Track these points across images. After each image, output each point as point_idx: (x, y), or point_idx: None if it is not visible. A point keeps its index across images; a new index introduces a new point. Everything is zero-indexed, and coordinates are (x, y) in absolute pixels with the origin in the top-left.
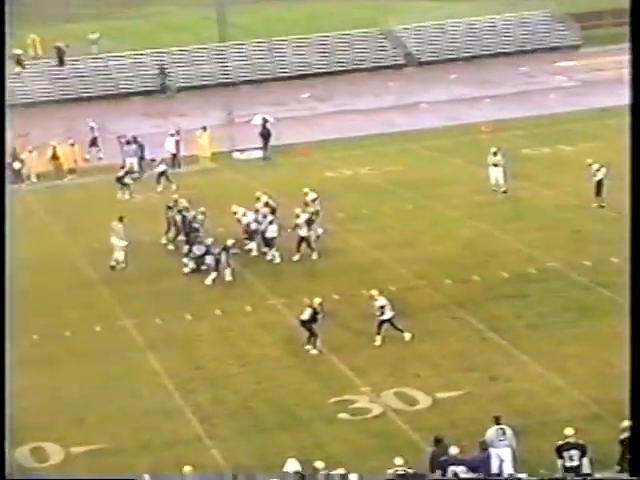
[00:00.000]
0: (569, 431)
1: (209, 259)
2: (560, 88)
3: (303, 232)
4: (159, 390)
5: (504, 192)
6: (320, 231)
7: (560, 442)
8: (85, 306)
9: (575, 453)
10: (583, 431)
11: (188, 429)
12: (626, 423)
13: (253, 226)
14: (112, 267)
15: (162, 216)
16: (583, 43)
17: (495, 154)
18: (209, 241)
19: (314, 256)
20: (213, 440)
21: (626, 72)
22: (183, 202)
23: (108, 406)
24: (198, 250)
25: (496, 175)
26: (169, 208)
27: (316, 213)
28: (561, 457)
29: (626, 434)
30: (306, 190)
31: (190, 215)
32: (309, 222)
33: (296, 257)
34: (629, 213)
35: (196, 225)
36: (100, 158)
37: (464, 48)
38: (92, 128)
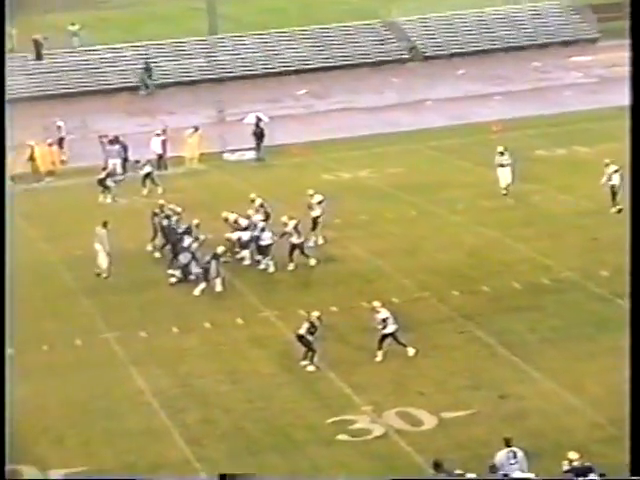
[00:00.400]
0: (573, 455)
1: (196, 268)
2: (576, 85)
3: (294, 239)
4: (144, 409)
5: (505, 194)
6: (320, 241)
7: (566, 467)
8: (64, 318)
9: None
10: (599, 454)
11: (175, 451)
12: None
13: (245, 236)
14: (97, 274)
15: (147, 221)
16: (600, 36)
17: (502, 154)
18: (194, 247)
19: (312, 262)
20: (202, 463)
21: None
22: (173, 207)
23: (89, 426)
24: (184, 258)
25: (505, 176)
26: (155, 215)
27: (317, 217)
28: None
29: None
30: (310, 192)
31: (174, 221)
32: (297, 228)
33: (291, 266)
34: (629, 213)
35: (180, 231)
36: (63, 161)
37: (473, 41)
38: (59, 127)
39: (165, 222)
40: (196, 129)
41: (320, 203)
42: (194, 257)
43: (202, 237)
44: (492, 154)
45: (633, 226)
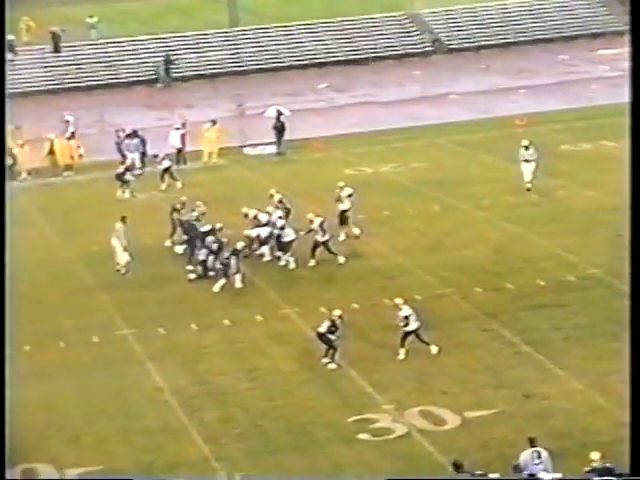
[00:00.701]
0: (595, 455)
1: (216, 264)
2: (602, 78)
3: (319, 237)
4: (162, 407)
5: (529, 189)
6: (357, 231)
7: (587, 468)
8: (81, 314)
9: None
10: (625, 455)
11: (194, 450)
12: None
13: (264, 232)
14: (118, 271)
15: (166, 216)
16: (628, 29)
17: (527, 148)
18: (214, 245)
19: (340, 260)
20: (221, 462)
21: None
22: (200, 204)
23: (106, 424)
24: (203, 255)
25: (528, 171)
26: (174, 210)
27: (346, 211)
28: None
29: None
30: (341, 184)
31: (194, 216)
32: (322, 226)
33: (312, 263)
34: (629, 212)
35: (203, 230)
36: (81, 155)
37: (497, 34)
38: (68, 122)
39: (185, 217)
40: (214, 123)
41: (350, 196)
42: (212, 252)
43: (224, 240)
44: (517, 149)
45: (633, 227)
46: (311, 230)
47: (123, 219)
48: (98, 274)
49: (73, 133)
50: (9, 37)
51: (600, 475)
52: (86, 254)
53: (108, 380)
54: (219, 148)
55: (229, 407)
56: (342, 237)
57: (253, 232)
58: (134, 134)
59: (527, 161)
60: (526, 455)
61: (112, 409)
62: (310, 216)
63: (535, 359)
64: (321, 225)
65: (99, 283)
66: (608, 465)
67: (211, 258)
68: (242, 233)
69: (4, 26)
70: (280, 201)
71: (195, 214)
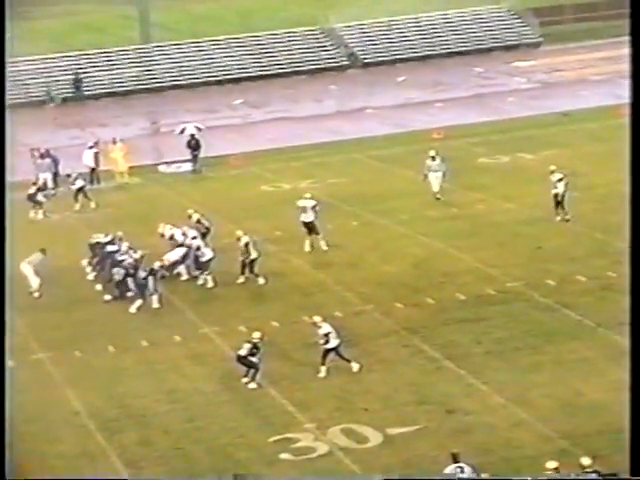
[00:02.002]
0: (551, 464)
1: (131, 284)
2: (519, 90)
3: (253, 255)
4: (79, 431)
5: (438, 199)
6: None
7: (542, 478)
8: None
9: None
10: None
11: (113, 474)
12: (586, 460)
13: (180, 253)
14: (31, 293)
15: (80, 237)
16: (543, 41)
17: (433, 158)
18: (127, 262)
19: (260, 281)
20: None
21: (588, 72)
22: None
23: (24, 450)
24: (117, 275)
25: (436, 181)
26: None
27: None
28: None
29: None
30: (307, 195)
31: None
32: (247, 246)
33: (241, 279)
34: (629, 211)
35: (104, 241)
36: None
37: (413, 47)
38: None
39: (94, 240)
40: (114, 142)
41: (314, 208)
42: (128, 273)
43: (138, 254)
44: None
45: (633, 226)
46: (245, 251)
47: (43, 251)
48: (11, 296)
49: None
50: None
51: None
52: None
53: (24, 405)
54: (129, 167)
55: (149, 430)
56: (308, 248)
57: (170, 257)
58: (46, 154)
59: (434, 171)
60: (449, 471)
61: (29, 434)
62: (239, 233)
63: (457, 374)
64: (246, 245)
65: (13, 306)
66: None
67: (129, 279)
68: (159, 252)
69: (4, 27)
70: (198, 221)
71: (108, 237)
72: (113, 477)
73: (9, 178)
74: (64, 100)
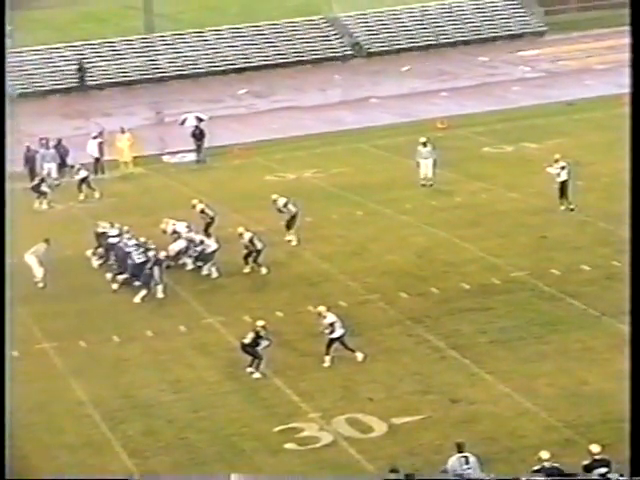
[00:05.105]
0: (545, 455)
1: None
2: (523, 80)
3: (259, 246)
4: (84, 421)
5: (430, 185)
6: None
7: (536, 467)
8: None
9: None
10: (554, 457)
11: (117, 464)
12: (595, 448)
13: (183, 244)
14: (37, 283)
15: (85, 227)
16: (547, 30)
17: (425, 145)
18: (135, 252)
19: (263, 271)
20: (145, 475)
21: (593, 61)
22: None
23: (28, 440)
24: (131, 265)
25: (426, 168)
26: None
27: (292, 219)
28: None
29: (589, 460)
30: (274, 197)
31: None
32: (252, 241)
33: (246, 269)
34: (629, 211)
35: (111, 233)
36: None
37: (417, 37)
38: None
39: (100, 230)
40: (123, 131)
41: (286, 205)
42: (138, 263)
43: (139, 240)
44: (439, 152)
45: (633, 226)
46: (250, 244)
47: (47, 240)
48: (16, 286)
49: None
50: None
51: (548, 475)
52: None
53: (29, 395)
54: (134, 157)
55: (153, 419)
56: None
57: (174, 247)
58: (57, 144)
59: (425, 158)
60: (454, 461)
61: (34, 424)
62: (240, 230)
63: (461, 364)
64: (251, 240)
65: (17, 295)
66: (556, 465)
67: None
68: (164, 243)
69: (4, 26)
70: (202, 211)
71: (115, 229)
72: (114, 477)
73: (13, 169)
74: (67, 90)
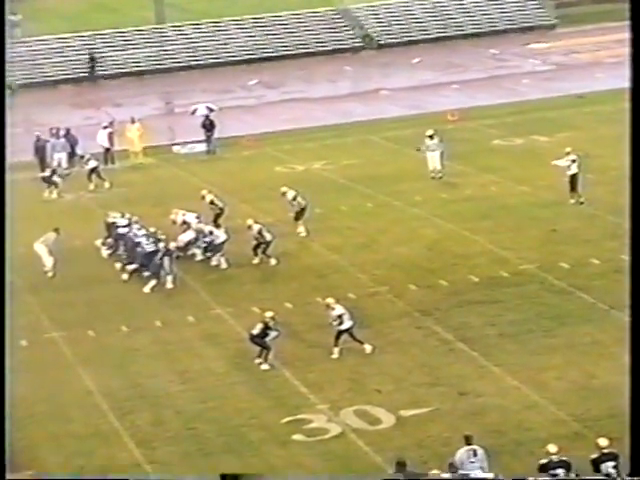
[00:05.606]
0: (552, 448)
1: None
2: (533, 72)
3: (268, 238)
4: (92, 411)
5: (440, 178)
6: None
7: (543, 460)
8: (8, 317)
9: (561, 472)
10: (562, 451)
11: (125, 454)
12: (603, 441)
13: (192, 235)
14: (46, 272)
15: (94, 217)
16: (558, 23)
17: (431, 137)
18: (145, 242)
19: (272, 262)
20: (153, 465)
21: (604, 54)
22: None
23: (36, 430)
24: (140, 255)
25: (434, 161)
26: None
27: (301, 211)
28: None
29: (597, 454)
30: (283, 190)
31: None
32: (261, 232)
33: (255, 260)
34: (629, 210)
35: (120, 224)
36: None
37: (428, 29)
38: None
39: (110, 220)
40: (133, 121)
41: (295, 199)
42: (147, 253)
43: (148, 230)
44: (449, 144)
45: (633, 224)
46: (259, 237)
47: (56, 230)
48: (25, 275)
49: None
50: None
51: (555, 469)
52: (12, 255)
53: (37, 384)
54: (144, 147)
55: (161, 410)
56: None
57: (184, 238)
58: (67, 133)
59: (432, 150)
60: (462, 453)
61: (42, 413)
62: (249, 222)
63: (470, 356)
64: (260, 232)
65: (26, 285)
66: (565, 459)
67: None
68: (173, 233)
69: (4, 25)
70: (212, 201)
71: (125, 219)
72: (115, 477)
73: (23, 158)
74: (78, 80)
